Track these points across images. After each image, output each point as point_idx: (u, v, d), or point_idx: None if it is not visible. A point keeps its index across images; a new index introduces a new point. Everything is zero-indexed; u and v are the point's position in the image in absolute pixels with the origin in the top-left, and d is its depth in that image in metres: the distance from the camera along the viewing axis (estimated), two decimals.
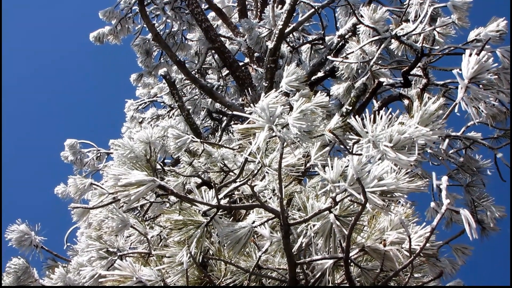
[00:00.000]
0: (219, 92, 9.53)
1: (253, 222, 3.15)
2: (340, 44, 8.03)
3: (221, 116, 9.76)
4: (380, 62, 6.73)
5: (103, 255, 3.96)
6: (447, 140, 6.83)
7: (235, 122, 8.86)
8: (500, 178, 6.70)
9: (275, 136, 2.82)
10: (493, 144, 6.91)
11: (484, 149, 6.93)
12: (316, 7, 8.58)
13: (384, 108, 6.66)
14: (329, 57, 7.39)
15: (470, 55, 2.72)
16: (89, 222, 4.96)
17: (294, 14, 8.62)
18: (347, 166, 2.67)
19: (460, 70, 2.75)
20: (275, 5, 8.82)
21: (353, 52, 5.73)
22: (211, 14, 11.38)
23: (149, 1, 9.63)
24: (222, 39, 9.37)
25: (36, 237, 5.05)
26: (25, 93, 20.37)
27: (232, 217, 3.74)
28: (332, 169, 2.73)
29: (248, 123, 2.98)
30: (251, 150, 3.07)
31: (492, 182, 6.90)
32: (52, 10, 22.79)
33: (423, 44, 5.31)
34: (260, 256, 3.23)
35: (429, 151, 6.64)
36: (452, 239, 3.61)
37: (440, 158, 6.94)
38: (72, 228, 6.61)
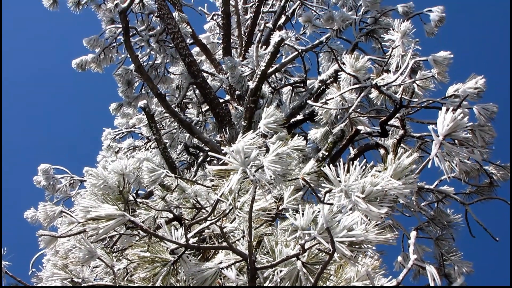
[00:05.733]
0: (198, 127, 9.52)
1: (221, 263, 3.13)
2: (321, 89, 8.05)
3: (198, 151, 9.75)
4: (359, 109, 6.76)
5: (67, 285, 3.91)
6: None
7: (211, 158, 8.86)
8: (470, 233, 6.75)
9: (249, 178, 2.82)
10: (465, 199, 6.97)
11: (456, 203, 6.99)
12: (300, 51, 8.67)
13: (360, 156, 6.70)
14: (309, 101, 7.42)
15: (446, 111, 2.75)
16: (56, 250, 4.91)
17: (278, 56, 8.70)
18: (319, 212, 2.67)
19: (436, 125, 2.78)
20: (260, 45, 8.89)
21: (333, 98, 5.75)
22: (196, 49, 11.44)
23: (134, 32, 9.65)
24: (205, 74, 9.41)
25: (1, 262, 4.97)
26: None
27: (201, 255, 3.71)
28: (302, 216, 2.73)
29: (223, 163, 2.98)
30: (223, 191, 3.06)
31: (461, 237, 6.95)
32: (32, 31, 22.74)
33: (402, 96, 5.34)
34: None
35: (401, 202, 6.66)
36: None
37: (412, 209, 6.97)
38: (38, 254, 6.53)
